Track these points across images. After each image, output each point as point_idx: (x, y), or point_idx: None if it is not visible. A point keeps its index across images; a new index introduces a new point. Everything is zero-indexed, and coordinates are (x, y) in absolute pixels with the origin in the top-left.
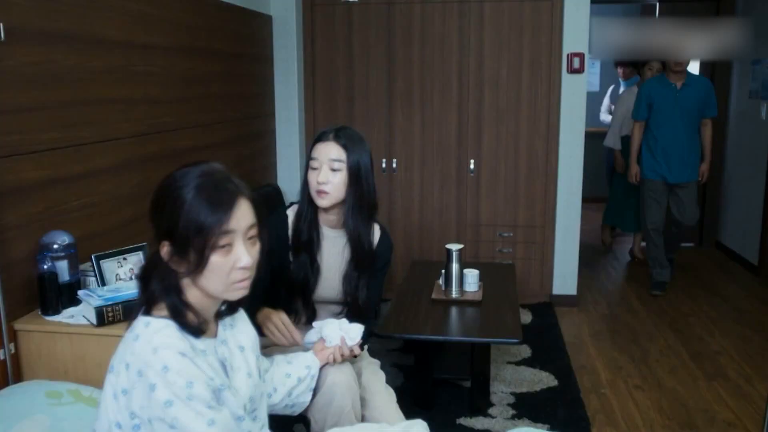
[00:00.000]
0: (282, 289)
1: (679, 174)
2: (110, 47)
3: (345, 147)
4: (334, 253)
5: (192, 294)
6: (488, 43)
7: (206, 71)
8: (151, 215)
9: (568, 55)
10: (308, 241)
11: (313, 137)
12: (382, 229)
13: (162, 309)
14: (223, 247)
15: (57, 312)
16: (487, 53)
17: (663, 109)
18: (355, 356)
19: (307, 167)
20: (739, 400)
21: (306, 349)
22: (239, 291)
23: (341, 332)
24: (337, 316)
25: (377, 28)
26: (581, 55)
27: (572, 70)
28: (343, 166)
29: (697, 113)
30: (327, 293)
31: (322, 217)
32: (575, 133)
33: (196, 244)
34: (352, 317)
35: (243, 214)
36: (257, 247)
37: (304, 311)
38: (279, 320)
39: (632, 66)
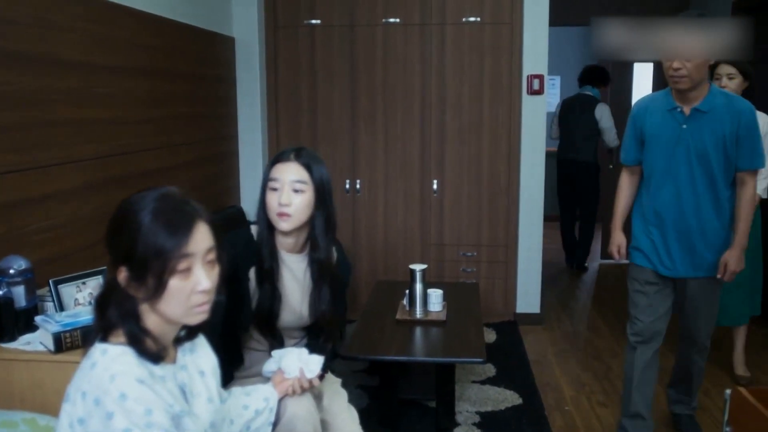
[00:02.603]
0: (243, 312)
1: (684, 262)
2: (70, 68)
3: (308, 167)
4: (293, 279)
5: (150, 320)
6: (450, 64)
7: (168, 93)
8: (107, 241)
9: (528, 76)
10: (271, 270)
11: None
12: (338, 248)
13: (119, 336)
14: (182, 271)
15: (13, 339)
16: (449, 75)
17: (659, 151)
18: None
19: (264, 189)
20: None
21: (265, 380)
22: (199, 315)
23: (300, 363)
24: (297, 343)
25: (340, 50)
26: (541, 77)
27: (532, 92)
28: (306, 187)
29: (722, 161)
30: (287, 320)
31: (280, 242)
32: (536, 153)
33: (155, 269)
34: (321, 339)
35: (201, 237)
36: (216, 270)
37: (271, 341)
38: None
39: (602, 80)
